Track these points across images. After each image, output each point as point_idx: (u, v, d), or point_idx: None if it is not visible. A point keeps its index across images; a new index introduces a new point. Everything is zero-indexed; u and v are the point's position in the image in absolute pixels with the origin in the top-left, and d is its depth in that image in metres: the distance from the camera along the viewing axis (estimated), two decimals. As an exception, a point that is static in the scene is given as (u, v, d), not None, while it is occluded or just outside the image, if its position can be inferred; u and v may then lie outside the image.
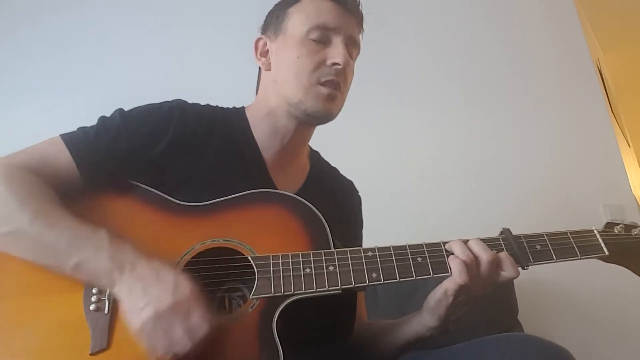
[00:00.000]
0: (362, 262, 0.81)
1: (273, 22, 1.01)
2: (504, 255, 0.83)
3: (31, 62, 2.11)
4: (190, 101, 1.00)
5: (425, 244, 0.84)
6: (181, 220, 0.84)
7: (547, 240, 0.87)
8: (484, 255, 0.82)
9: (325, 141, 1.12)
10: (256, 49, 1.03)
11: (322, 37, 0.95)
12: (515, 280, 0.84)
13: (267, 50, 1.01)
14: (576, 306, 1.81)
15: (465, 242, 0.84)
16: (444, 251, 0.84)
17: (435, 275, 0.82)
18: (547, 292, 1.81)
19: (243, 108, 1.05)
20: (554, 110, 2.11)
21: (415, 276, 0.81)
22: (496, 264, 0.82)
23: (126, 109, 0.94)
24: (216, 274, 0.80)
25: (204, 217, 0.85)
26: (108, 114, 0.94)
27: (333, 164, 1.15)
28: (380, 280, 0.80)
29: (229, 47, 2.00)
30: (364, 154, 1.95)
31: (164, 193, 0.87)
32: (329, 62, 0.93)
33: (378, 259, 0.81)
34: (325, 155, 1.14)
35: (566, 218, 1.82)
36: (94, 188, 0.86)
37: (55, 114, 1.88)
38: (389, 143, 2.03)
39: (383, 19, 2.09)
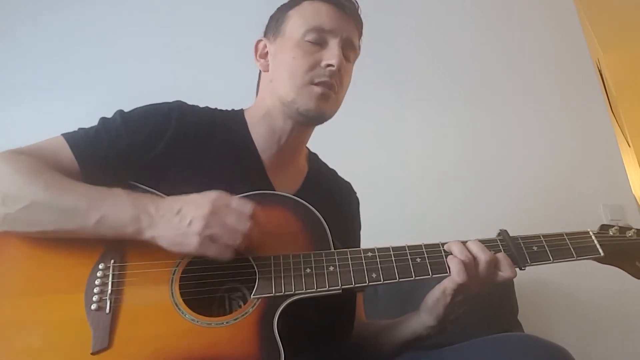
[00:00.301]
0: (362, 263, 0.81)
1: (273, 24, 1.02)
2: (501, 255, 0.84)
3: (31, 62, 2.11)
4: (190, 102, 1.00)
5: (424, 245, 0.85)
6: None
7: (544, 242, 0.88)
8: (482, 255, 0.82)
9: (324, 142, 1.12)
10: (256, 50, 1.04)
11: (318, 39, 0.95)
12: (515, 281, 0.85)
13: (267, 52, 1.02)
14: (576, 306, 1.82)
15: (464, 243, 0.85)
16: (443, 252, 0.85)
17: (434, 276, 0.83)
18: (547, 292, 1.81)
19: (242, 110, 1.06)
20: (554, 110, 2.11)
21: (415, 276, 0.82)
22: (494, 265, 0.83)
23: (126, 109, 0.95)
24: (217, 274, 0.80)
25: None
26: (108, 115, 0.95)
27: (332, 164, 1.15)
28: (380, 281, 0.81)
29: (229, 48, 2.01)
30: (364, 155, 1.95)
31: (164, 194, 0.87)
32: (323, 63, 0.94)
33: (378, 260, 0.82)
34: (325, 155, 1.14)
35: (566, 218, 1.82)
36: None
37: (55, 114, 1.88)
38: (389, 143, 2.03)
39: (383, 18, 2.10)
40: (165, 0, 2.25)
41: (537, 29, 2.27)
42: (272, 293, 0.77)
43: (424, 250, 0.84)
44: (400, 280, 0.81)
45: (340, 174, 1.16)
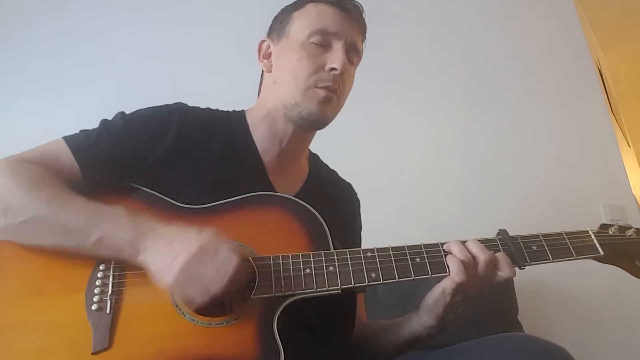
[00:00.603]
0: (362, 263, 0.82)
1: (277, 26, 1.02)
2: (500, 255, 0.84)
3: (31, 63, 2.12)
4: (191, 104, 1.00)
5: (424, 245, 0.85)
6: (182, 222, 0.84)
7: (543, 241, 0.88)
8: (482, 255, 0.82)
9: (324, 142, 1.12)
10: (259, 51, 1.04)
11: (323, 42, 0.95)
12: (515, 281, 0.85)
13: (270, 52, 1.02)
14: (576, 306, 1.82)
15: (463, 242, 0.85)
16: (442, 252, 0.85)
17: (433, 275, 0.83)
18: (547, 292, 1.81)
19: (243, 111, 1.05)
20: (554, 110, 2.12)
21: (414, 276, 0.82)
22: (493, 265, 0.83)
23: (128, 110, 0.95)
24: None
25: (205, 219, 0.85)
26: (109, 116, 0.95)
27: (332, 165, 1.15)
28: (380, 280, 0.81)
29: (231, 49, 2.01)
30: (364, 155, 1.95)
31: (165, 196, 0.87)
32: (327, 67, 0.94)
33: (377, 260, 0.82)
34: (325, 156, 1.15)
35: (566, 218, 1.81)
36: (95, 190, 0.87)
37: (56, 115, 1.89)
38: (389, 144, 2.03)
39: (383, 19, 2.10)
40: (168, 2, 2.25)
41: (537, 29, 2.27)
42: (271, 293, 0.77)
43: (423, 250, 0.84)
44: (400, 280, 0.81)
45: (340, 174, 1.16)
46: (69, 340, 0.72)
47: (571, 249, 0.88)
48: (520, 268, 0.86)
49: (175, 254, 0.72)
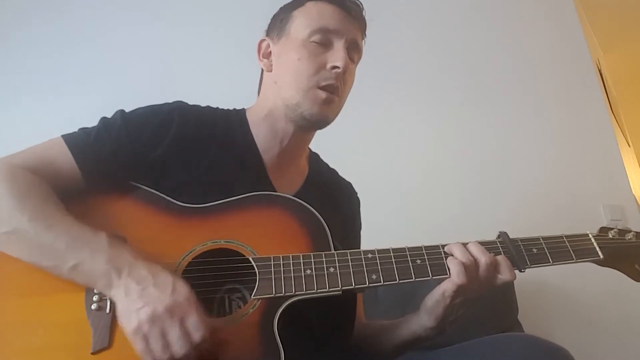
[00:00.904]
0: (362, 264, 0.81)
1: (277, 24, 1.01)
2: (501, 258, 0.84)
3: (31, 63, 2.12)
4: (191, 102, 1.00)
5: (425, 247, 0.85)
6: (182, 221, 0.85)
7: (544, 244, 0.88)
8: (483, 258, 0.83)
9: (324, 142, 1.12)
10: (259, 50, 1.03)
11: (323, 40, 0.95)
12: (515, 281, 0.85)
13: (270, 51, 1.01)
14: (576, 306, 1.82)
15: (464, 244, 0.85)
16: (443, 253, 0.85)
17: (434, 277, 0.83)
18: (547, 293, 1.81)
19: (244, 110, 1.05)
20: (554, 110, 2.11)
21: (415, 278, 0.82)
22: (494, 267, 0.83)
23: (127, 109, 0.95)
24: (217, 275, 0.80)
25: (205, 218, 0.85)
26: (109, 114, 0.94)
27: (332, 165, 1.15)
28: (380, 282, 0.81)
29: (230, 48, 2.01)
30: (364, 155, 1.95)
31: (165, 194, 0.87)
32: (329, 65, 0.93)
33: (378, 261, 0.82)
34: (325, 156, 1.14)
35: (566, 218, 1.83)
36: (95, 189, 0.87)
37: (56, 115, 1.88)
38: (389, 144, 2.03)
39: (383, 18, 2.10)
40: (167, 1, 2.25)
41: (537, 29, 2.27)
42: (272, 294, 0.77)
43: (424, 251, 0.84)
44: (400, 281, 0.81)
45: (340, 174, 1.15)
46: (69, 339, 0.72)
47: (571, 252, 0.88)
48: (520, 271, 0.86)
49: (145, 302, 0.69)
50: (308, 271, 0.79)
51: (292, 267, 0.79)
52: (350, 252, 0.82)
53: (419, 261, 0.83)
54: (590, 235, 0.91)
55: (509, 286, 1.57)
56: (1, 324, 0.74)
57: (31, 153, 0.86)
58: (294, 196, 0.89)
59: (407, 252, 0.84)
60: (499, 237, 0.89)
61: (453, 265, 0.82)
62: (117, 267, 0.73)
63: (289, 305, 0.77)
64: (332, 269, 0.80)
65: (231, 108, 1.06)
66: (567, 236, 0.90)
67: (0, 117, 1.99)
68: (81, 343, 0.71)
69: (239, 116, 1.03)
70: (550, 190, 1.96)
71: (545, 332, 1.72)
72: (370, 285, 0.80)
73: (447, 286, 0.82)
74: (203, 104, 1.02)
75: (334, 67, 0.93)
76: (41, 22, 2.18)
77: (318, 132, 1.05)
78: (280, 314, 0.75)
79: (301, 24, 0.96)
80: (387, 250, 0.84)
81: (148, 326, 0.68)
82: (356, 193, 1.15)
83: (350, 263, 0.81)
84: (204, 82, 1.97)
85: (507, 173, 2.00)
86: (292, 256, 0.80)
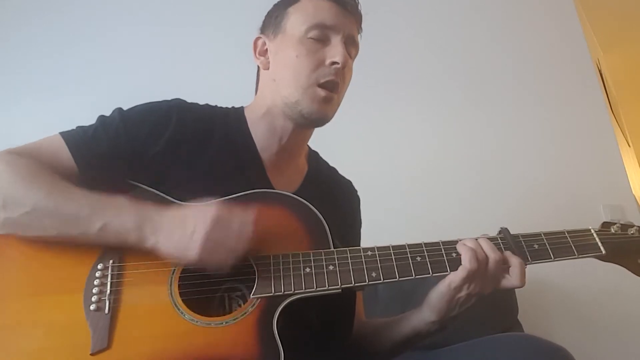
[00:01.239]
0: (362, 262, 0.81)
1: (272, 22, 1.01)
2: (517, 261, 0.83)
3: (31, 63, 2.12)
4: (189, 100, 1.00)
5: (425, 244, 0.85)
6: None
7: (545, 240, 0.88)
8: (492, 254, 0.82)
9: (324, 141, 1.12)
10: (255, 48, 1.03)
11: (321, 36, 0.94)
12: (515, 281, 0.85)
13: (266, 49, 1.01)
14: (576, 306, 1.81)
15: (476, 239, 0.85)
16: (443, 251, 0.84)
17: (434, 275, 0.83)
18: (547, 292, 1.81)
19: (242, 108, 1.04)
20: (554, 110, 2.11)
21: (415, 275, 0.82)
22: (502, 263, 0.83)
23: (125, 108, 0.94)
24: (216, 274, 0.80)
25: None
26: (107, 113, 0.94)
27: (332, 163, 1.15)
28: (380, 280, 0.80)
29: (228, 47, 2.00)
30: (363, 154, 1.95)
31: (163, 193, 0.87)
32: (328, 61, 0.93)
33: (377, 259, 0.82)
34: (325, 155, 1.14)
35: (566, 218, 1.81)
36: (92, 187, 0.86)
37: (56, 114, 1.87)
38: (389, 143, 2.03)
39: (383, 17, 2.10)
40: (166, 1, 2.25)
41: (537, 29, 2.27)
42: (271, 292, 0.77)
43: (424, 249, 0.84)
44: (400, 279, 0.81)
45: (340, 173, 1.15)
46: (68, 340, 0.72)
47: (573, 247, 0.87)
48: None
49: (193, 228, 0.73)
50: (307, 269, 0.79)
51: (291, 266, 0.79)
52: (349, 250, 0.82)
53: (419, 258, 0.83)
54: (593, 231, 0.90)
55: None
56: (0, 325, 0.73)
57: (29, 147, 0.86)
58: (294, 194, 0.89)
59: (407, 250, 0.83)
60: (500, 233, 0.89)
61: (465, 251, 0.82)
62: (146, 217, 0.76)
63: (289, 304, 0.76)
64: (331, 267, 0.80)
65: (229, 106, 1.05)
66: (568, 231, 0.89)
67: (0, 117, 2.00)
68: (80, 344, 0.71)
69: (237, 114, 1.02)
70: (550, 190, 1.96)
71: (545, 332, 1.72)
72: (370, 283, 0.80)
73: (453, 278, 0.82)
74: (202, 102, 1.02)
75: (333, 63, 0.93)
76: (41, 22, 2.19)
77: (318, 131, 1.05)
78: (280, 312, 0.75)
79: (297, 21, 0.96)
80: (386, 248, 0.83)
81: (209, 240, 0.73)
82: (356, 191, 1.15)
83: (349, 261, 0.81)
84: (202, 80, 1.97)
85: (507, 173, 2.00)
86: (292, 254, 0.80)
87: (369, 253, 0.82)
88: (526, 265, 0.85)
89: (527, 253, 0.86)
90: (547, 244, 0.87)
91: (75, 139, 0.88)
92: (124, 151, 0.89)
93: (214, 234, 0.73)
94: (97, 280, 0.76)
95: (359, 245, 1.08)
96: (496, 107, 2.11)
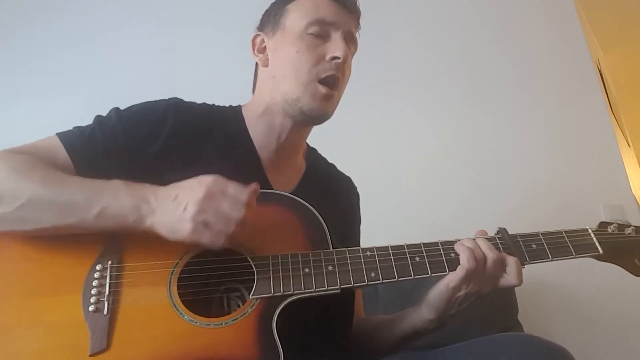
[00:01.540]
0: (361, 262, 0.81)
1: (270, 19, 1.01)
2: (513, 260, 0.84)
3: (31, 63, 2.12)
4: (187, 100, 0.99)
5: (423, 244, 0.85)
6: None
7: (543, 240, 0.88)
8: (490, 253, 0.83)
9: (323, 140, 1.12)
10: (253, 45, 1.03)
11: (321, 32, 0.95)
12: (515, 281, 0.85)
13: (265, 46, 1.01)
14: (576, 306, 1.81)
15: (473, 239, 0.86)
16: (442, 251, 0.85)
17: (433, 275, 0.83)
18: (547, 292, 1.81)
19: (240, 106, 1.04)
20: (554, 110, 2.11)
21: (414, 275, 0.82)
22: (500, 264, 0.83)
23: (123, 107, 0.94)
24: (215, 274, 0.80)
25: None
26: (105, 113, 0.94)
27: (331, 162, 1.15)
28: (379, 280, 0.81)
29: (227, 46, 2.00)
30: (363, 153, 1.95)
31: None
32: (328, 56, 0.93)
33: (376, 259, 0.82)
34: (324, 154, 1.14)
35: (566, 218, 1.80)
36: None
37: (55, 114, 1.87)
38: (388, 142, 2.03)
39: (383, 17, 2.10)
40: (166, 1, 2.25)
41: (537, 29, 2.26)
42: (270, 293, 0.76)
43: (422, 249, 0.84)
44: (399, 279, 0.81)
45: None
46: (67, 342, 0.72)
47: (570, 247, 0.88)
48: None
49: (185, 203, 0.73)
50: (306, 270, 0.79)
51: (290, 266, 0.79)
52: (348, 250, 0.82)
53: (417, 259, 0.83)
54: (590, 230, 0.91)
55: (509, 286, 1.57)
56: (-1, 326, 0.73)
57: (26, 148, 0.86)
58: (291, 193, 0.89)
59: (406, 250, 0.84)
60: (497, 233, 0.89)
61: (463, 250, 0.82)
62: (142, 197, 0.75)
63: (288, 304, 0.76)
64: (330, 268, 0.80)
65: (227, 105, 1.05)
66: (566, 231, 0.90)
67: (0, 117, 1.99)
68: (79, 345, 0.71)
69: (235, 113, 1.02)
70: (550, 190, 1.96)
71: (545, 332, 1.72)
72: (369, 283, 0.80)
73: (452, 277, 0.82)
74: (199, 101, 1.02)
75: (334, 58, 0.93)
76: (41, 22, 2.18)
77: (317, 131, 1.05)
78: (279, 313, 0.75)
79: (297, 17, 0.96)
80: (385, 248, 0.84)
81: (200, 216, 0.72)
82: (355, 187, 1.15)
83: (348, 261, 0.81)
84: (200, 79, 1.96)
85: (507, 173, 1.99)
86: (291, 255, 0.80)
87: (368, 253, 0.83)
88: (524, 265, 0.85)
89: (525, 253, 0.86)
90: (545, 244, 0.87)
91: (72, 139, 0.88)
92: (121, 151, 0.88)
93: (204, 209, 0.72)
94: (96, 281, 0.76)
95: (359, 241, 1.09)
96: (496, 107, 2.11)
